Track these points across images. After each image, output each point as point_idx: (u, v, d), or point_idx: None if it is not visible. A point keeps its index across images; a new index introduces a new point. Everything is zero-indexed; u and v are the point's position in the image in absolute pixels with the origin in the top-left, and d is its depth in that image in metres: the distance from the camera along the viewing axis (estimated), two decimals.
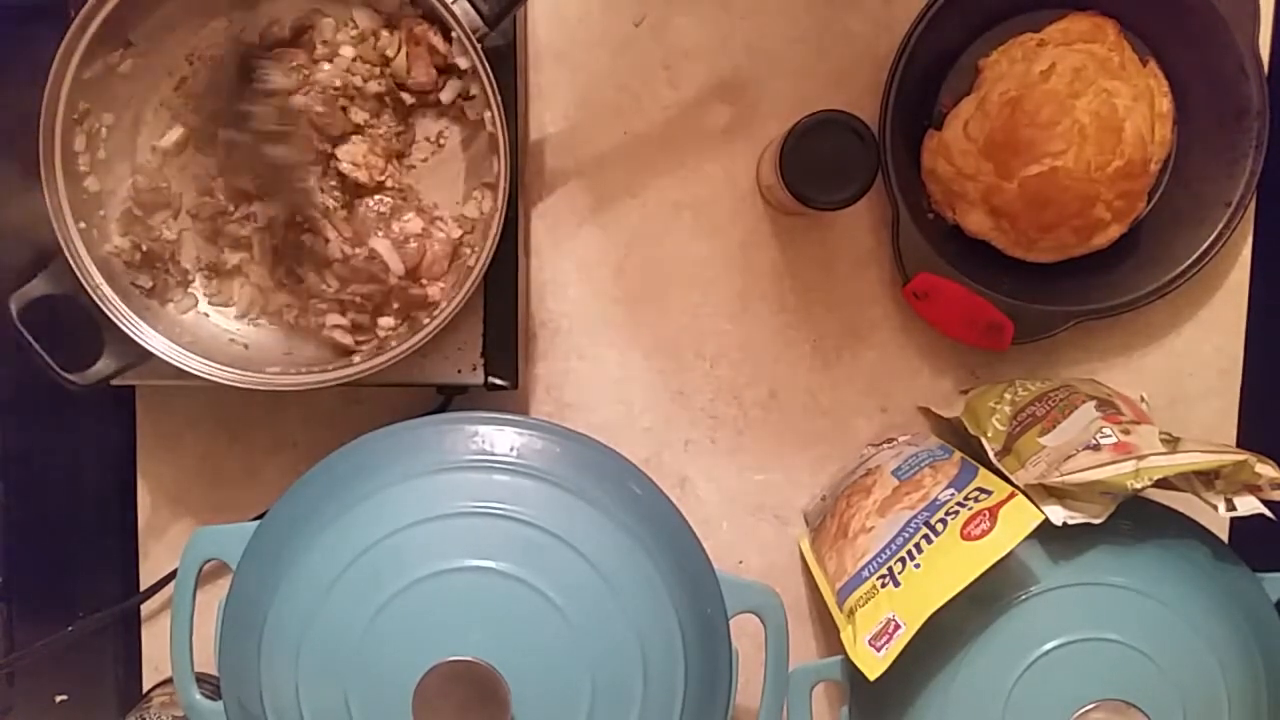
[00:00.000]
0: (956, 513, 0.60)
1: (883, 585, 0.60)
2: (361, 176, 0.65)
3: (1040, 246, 0.71)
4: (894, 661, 0.57)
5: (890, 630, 0.57)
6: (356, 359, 0.64)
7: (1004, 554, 0.56)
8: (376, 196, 0.66)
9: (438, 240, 0.66)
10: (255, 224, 0.66)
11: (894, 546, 0.62)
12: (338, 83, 0.65)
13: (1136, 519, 0.61)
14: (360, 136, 0.66)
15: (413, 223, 0.66)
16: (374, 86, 0.65)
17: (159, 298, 0.66)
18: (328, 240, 0.65)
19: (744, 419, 0.76)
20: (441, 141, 0.67)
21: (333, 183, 0.66)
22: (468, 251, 0.67)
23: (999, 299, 0.70)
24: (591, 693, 0.56)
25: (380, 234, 0.65)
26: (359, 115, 0.65)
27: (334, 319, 0.66)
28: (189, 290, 0.67)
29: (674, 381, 0.75)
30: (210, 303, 0.68)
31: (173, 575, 0.68)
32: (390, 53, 0.65)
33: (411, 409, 0.70)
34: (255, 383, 0.62)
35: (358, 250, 0.65)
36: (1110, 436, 0.61)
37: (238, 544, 0.60)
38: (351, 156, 0.65)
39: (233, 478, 0.75)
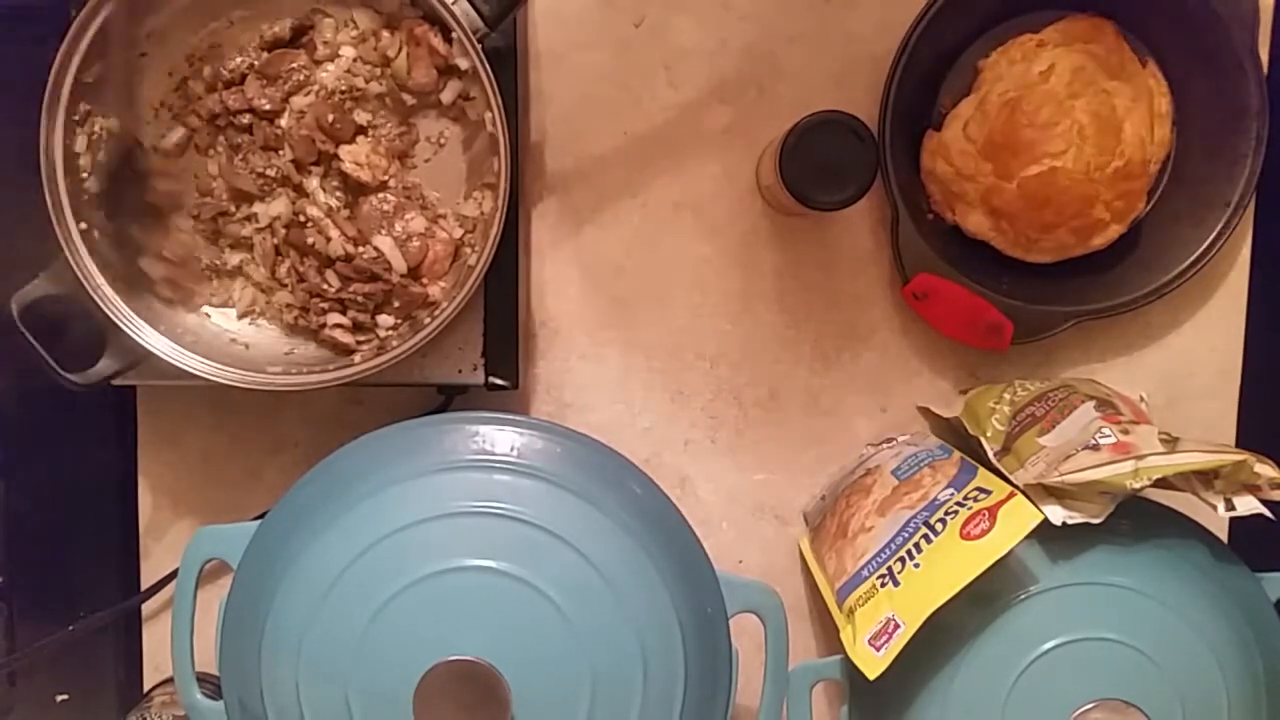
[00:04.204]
0: (956, 512, 0.60)
1: (882, 585, 0.60)
2: (365, 176, 0.65)
3: (1040, 247, 0.71)
4: (894, 661, 0.57)
5: (890, 630, 0.57)
6: (357, 359, 0.64)
7: (1003, 554, 0.56)
8: (380, 195, 0.66)
9: (440, 240, 0.66)
10: (256, 224, 0.66)
11: (893, 546, 0.62)
12: (343, 86, 0.65)
13: (1136, 519, 0.61)
14: (364, 137, 0.66)
15: (416, 221, 0.66)
16: (375, 87, 0.65)
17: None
18: (330, 239, 0.65)
19: (744, 419, 0.76)
20: (442, 142, 0.67)
21: (335, 183, 0.66)
22: (468, 251, 0.67)
23: (999, 299, 0.70)
24: (591, 692, 0.56)
25: (383, 232, 0.65)
26: (362, 116, 0.66)
27: (335, 318, 0.66)
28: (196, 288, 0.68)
29: (674, 381, 0.75)
30: (211, 303, 0.68)
31: (173, 575, 0.68)
32: (391, 53, 0.65)
33: (411, 409, 0.70)
34: (255, 383, 0.62)
35: (361, 249, 0.65)
36: (1109, 436, 0.61)
37: (239, 544, 0.60)
38: (355, 156, 0.65)
39: (233, 478, 0.75)
